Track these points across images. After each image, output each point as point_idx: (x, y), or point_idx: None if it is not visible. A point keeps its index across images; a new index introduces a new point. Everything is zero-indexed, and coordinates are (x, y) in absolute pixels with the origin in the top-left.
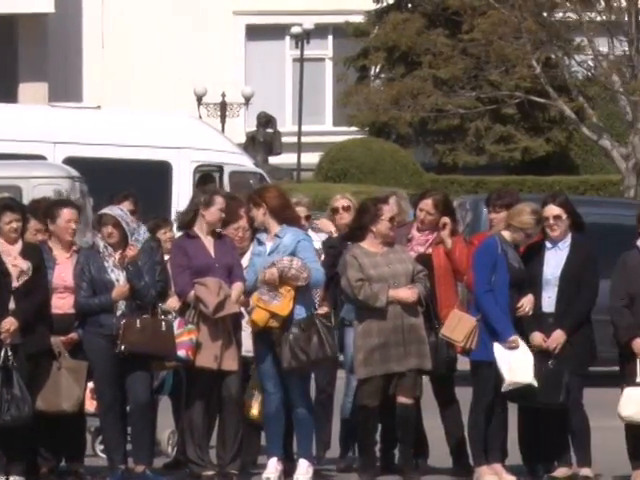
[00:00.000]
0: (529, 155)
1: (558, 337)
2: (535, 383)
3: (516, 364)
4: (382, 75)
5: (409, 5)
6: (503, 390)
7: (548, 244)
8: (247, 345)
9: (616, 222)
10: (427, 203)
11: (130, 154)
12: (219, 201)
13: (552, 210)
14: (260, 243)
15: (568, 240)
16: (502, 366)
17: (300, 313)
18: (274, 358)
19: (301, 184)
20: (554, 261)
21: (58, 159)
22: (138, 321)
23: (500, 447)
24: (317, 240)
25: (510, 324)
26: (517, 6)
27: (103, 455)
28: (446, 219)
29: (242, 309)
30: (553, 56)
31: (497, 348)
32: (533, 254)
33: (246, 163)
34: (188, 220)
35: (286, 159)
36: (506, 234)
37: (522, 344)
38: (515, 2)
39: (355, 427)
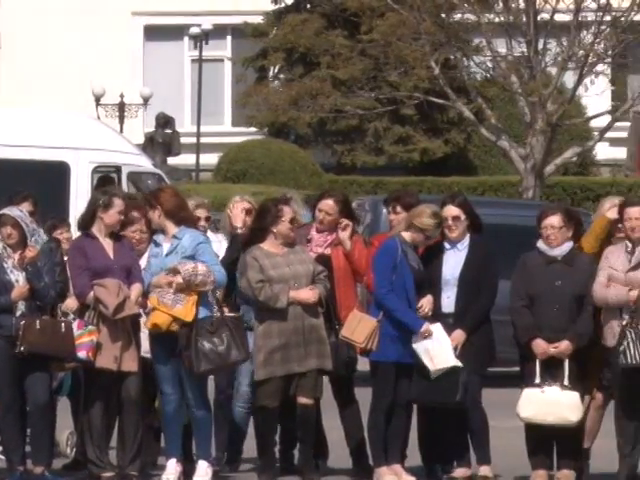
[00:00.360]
0: (428, 156)
1: (457, 337)
2: (459, 364)
3: (435, 352)
4: (281, 75)
5: (308, 6)
6: (432, 377)
7: (447, 245)
8: (146, 346)
9: (515, 223)
10: (326, 204)
11: (28, 154)
12: (118, 203)
13: (451, 211)
14: (157, 245)
15: (467, 241)
16: (423, 358)
17: (202, 314)
18: (172, 360)
19: (200, 185)
20: (453, 262)
21: None
22: (38, 322)
23: (400, 448)
24: (216, 240)
25: (417, 317)
26: (416, 7)
27: (1, 456)
28: (345, 220)
29: (141, 310)
30: (452, 57)
31: (414, 343)
32: (432, 255)
33: (144, 164)
34: (87, 221)
35: (185, 160)
36: (406, 235)
37: (436, 330)
38: (413, 3)
39: (242, 431)
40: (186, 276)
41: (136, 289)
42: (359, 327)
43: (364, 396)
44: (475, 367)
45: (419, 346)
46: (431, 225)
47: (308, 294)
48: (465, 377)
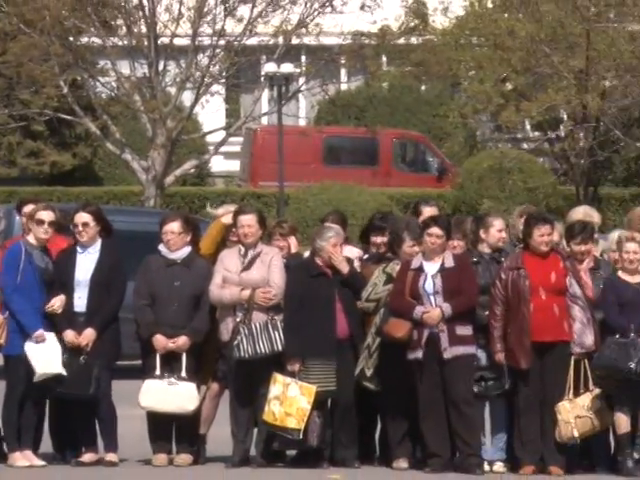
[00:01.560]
0: (57, 168)
1: (89, 335)
2: (64, 372)
3: (44, 356)
4: None
5: None
6: (35, 380)
7: (79, 249)
8: None
9: (140, 229)
10: None
11: None
12: None
13: (81, 218)
14: None
15: (98, 245)
16: (32, 359)
17: None
18: None
19: None
20: (85, 264)
21: None
22: None
23: (33, 435)
24: None
25: (38, 320)
26: (46, 31)
27: None
28: None
29: None
30: (79, 78)
31: (28, 343)
32: (65, 258)
33: None
34: None
35: None
36: (31, 238)
37: (50, 338)
38: (44, 27)
39: None
40: None
41: None
42: None
43: (1, 389)
44: (105, 362)
45: (29, 347)
46: (49, 217)
47: None
48: (97, 372)
